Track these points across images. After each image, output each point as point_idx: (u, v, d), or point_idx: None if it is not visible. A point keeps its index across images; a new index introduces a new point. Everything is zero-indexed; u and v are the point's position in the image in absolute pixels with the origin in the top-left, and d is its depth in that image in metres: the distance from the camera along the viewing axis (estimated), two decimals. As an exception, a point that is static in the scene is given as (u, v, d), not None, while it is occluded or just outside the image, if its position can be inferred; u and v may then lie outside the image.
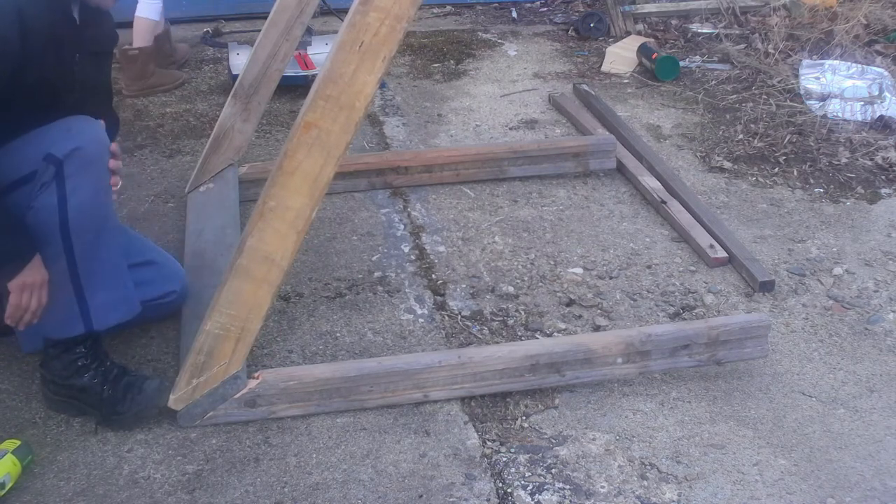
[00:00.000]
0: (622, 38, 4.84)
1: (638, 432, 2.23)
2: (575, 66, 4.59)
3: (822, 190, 3.39)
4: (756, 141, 3.70)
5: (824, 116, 3.87)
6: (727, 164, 3.55)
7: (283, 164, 1.95)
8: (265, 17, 3.04)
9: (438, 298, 2.73)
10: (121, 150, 2.22)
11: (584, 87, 4.18)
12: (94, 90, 2.28)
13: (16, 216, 2.03)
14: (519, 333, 2.59)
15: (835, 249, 3.02)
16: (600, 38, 4.94)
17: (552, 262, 2.92)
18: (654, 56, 4.38)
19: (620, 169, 3.46)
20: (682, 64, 4.44)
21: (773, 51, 4.51)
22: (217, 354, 2.10)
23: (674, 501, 2.03)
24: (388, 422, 2.23)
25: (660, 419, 2.28)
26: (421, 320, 2.62)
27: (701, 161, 3.60)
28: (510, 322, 2.63)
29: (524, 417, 2.27)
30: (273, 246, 2.02)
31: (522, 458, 2.15)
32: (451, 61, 4.63)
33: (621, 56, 4.55)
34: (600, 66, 4.56)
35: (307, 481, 2.06)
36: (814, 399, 2.36)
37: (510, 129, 3.87)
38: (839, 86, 4.04)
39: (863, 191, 3.38)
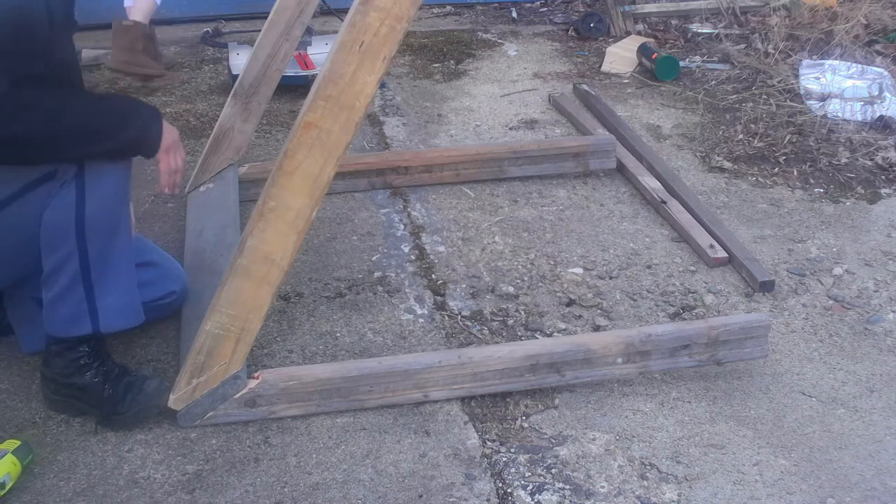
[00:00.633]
0: (622, 38, 4.84)
1: (638, 432, 2.23)
2: (575, 66, 4.59)
3: (822, 190, 3.39)
4: (756, 141, 3.70)
5: (824, 116, 3.87)
6: (727, 164, 3.55)
7: (284, 165, 1.95)
8: (265, 17, 3.04)
9: (438, 298, 2.73)
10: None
11: (584, 87, 4.18)
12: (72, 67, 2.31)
13: (117, 96, 2.13)
14: (519, 333, 2.59)
15: (835, 249, 3.02)
16: (600, 38, 4.94)
17: (552, 262, 2.92)
18: (654, 56, 4.38)
19: (620, 169, 3.46)
20: (682, 64, 4.44)
21: (773, 51, 4.51)
22: (217, 354, 2.10)
23: (674, 501, 2.03)
24: (388, 422, 2.23)
25: (660, 419, 2.28)
26: (421, 320, 2.63)
27: (701, 161, 3.60)
28: (510, 322, 2.63)
29: (524, 417, 2.27)
30: (273, 246, 2.02)
31: (522, 458, 2.15)
32: (451, 61, 4.63)
33: (621, 56, 4.55)
34: (600, 66, 4.56)
35: (307, 481, 2.06)
36: (814, 399, 2.36)
37: (510, 129, 3.87)
38: (839, 86, 4.04)
39: (863, 191, 3.38)
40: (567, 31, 5.12)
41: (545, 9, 5.53)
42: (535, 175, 3.40)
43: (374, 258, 2.92)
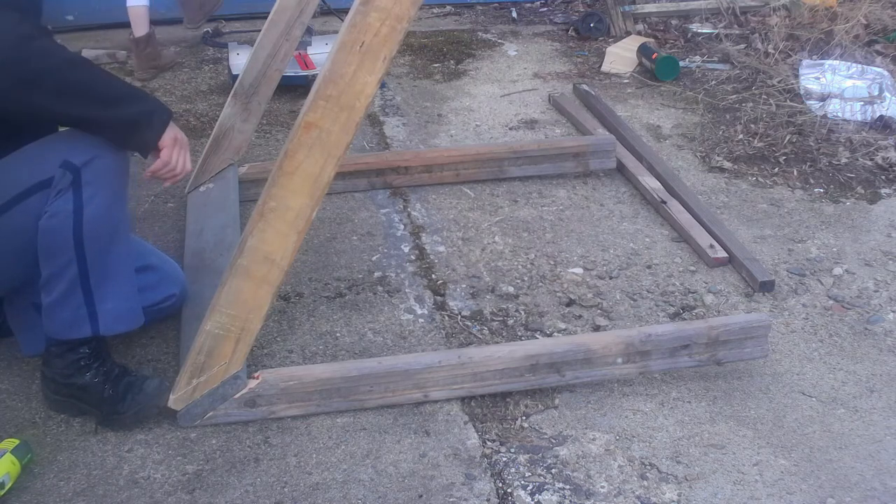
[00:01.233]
0: (622, 38, 4.84)
1: (638, 432, 2.23)
2: (575, 66, 4.59)
3: (822, 190, 3.39)
4: (756, 141, 3.70)
5: (824, 116, 3.87)
6: (727, 164, 3.55)
7: (284, 165, 1.95)
8: (265, 17, 3.04)
9: (438, 298, 2.73)
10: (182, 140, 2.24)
11: (584, 87, 4.18)
12: None
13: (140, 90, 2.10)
14: (519, 333, 2.59)
15: (835, 249, 3.02)
16: (600, 38, 4.94)
17: (552, 262, 2.92)
18: (654, 56, 4.38)
19: (620, 169, 3.46)
20: (682, 64, 4.44)
21: (773, 51, 4.51)
22: (217, 354, 2.10)
23: (674, 501, 2.03)
24: (388, 422, 2.23)
25: (660, 419, 2.28)
26: (421, 320, 2.63)
27: (701, 161, 3.60)
28: (510, 322, 2.63)
29: (524, 417, 2.27)
30: (273, 246, 2.02)
31: (522, 458, 2.15)
32: (451, 61, 4.63)
33: (621, 56, 4.55)
34: (600, 66, 4.56)
35: (307, 481, 2.06)
36: (814, 399, 2.36)
37: (510, 129, 3.87)
38: (839, 86, 4.04)
39: (863, 191, 3.38)
40: (567, 31, 5.12)
41: (545, 9, 5.53)
42: (535, 175, 3.40)
43: (374, 258, 2.92)
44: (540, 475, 2.10)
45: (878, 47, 4.55)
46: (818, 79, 4.11)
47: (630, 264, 2.92)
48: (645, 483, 2.08)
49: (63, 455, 2.12)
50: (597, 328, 2.61)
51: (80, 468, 2.08)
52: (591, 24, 5.00)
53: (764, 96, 4.11)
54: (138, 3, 4.25)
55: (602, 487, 2.07)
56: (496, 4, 5.56)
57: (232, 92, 3.09)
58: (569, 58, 4.71)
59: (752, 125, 3.83)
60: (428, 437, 2.20)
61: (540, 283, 2.81)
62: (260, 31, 3.05)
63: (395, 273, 2.84)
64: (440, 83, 4.36)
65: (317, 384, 2.20)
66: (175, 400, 2.15)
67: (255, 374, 2.20)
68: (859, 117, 3.86)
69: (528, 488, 2.06)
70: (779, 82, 4.22)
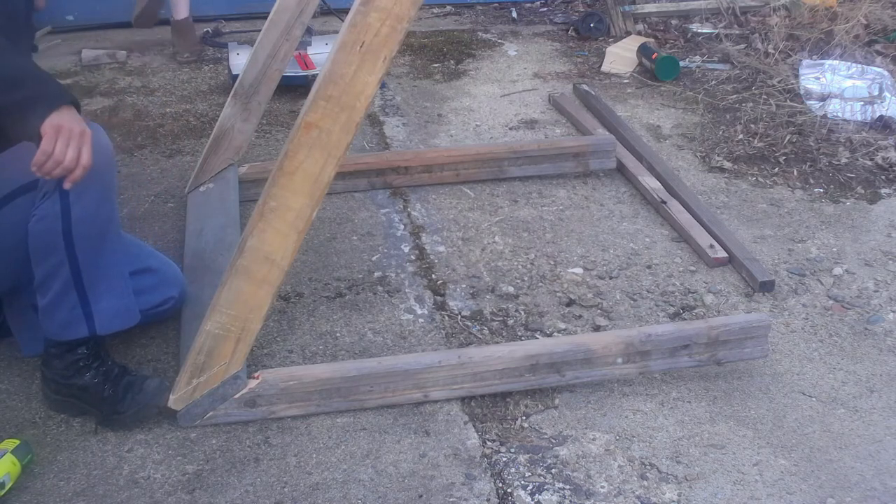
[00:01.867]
0: (622, 38, 4.84)
1: (638, 432, 2.23)
2: (575, 66, 4.59)
3: (822, 190, 3.39)
4: (756, 141, 3.70)
5: (824, 116, 3.87)
6: (727, 164, 3.55)
7: (284, 165, 1.95)
8: (265, 17, 3.04)
9: (438, 298, 2.73)
10: None
11: (584, 87, 4.18)
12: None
13: (39, 68, 1.95)
14: (519, 333, 2.59)
15: (835, 249, 3.02)
16: (600, 38, 4.94)
17: (552, 262, 2.92)
18: (654, 56, 4.38)
19: (620, 169, 3.46)
20: (682, 64, 4.44)
21: (773, 51, 4.51)
22: (217, 354, 2.10)
23: (674, 501, 2.03)
24: (388, 422, 2.23)
25: (660, 419, 2.28)
26: (421, 320, 2.63)
27: (701, 161, 3.60)
28: (510, 322, 2.63)
29: (524, 417, 2.27)
30: (273, 246, 2.02)
31: (522, 458, 2.15)
32: (451, 61, 4.63)
33: (621, 56, 4.55)
34: (600, 66, 4.56)
35: (307, 481, 2.06)
36: (814, 399, 2.36)
37: (510, 129, 3.87)
38: (839, 86, 4.04)
39: (863, 191, 3.38)
40: (567, 31, 5.11)
41: (545, 9, 5.53)
42: (535, 175, 3.40)
43: (374, 258, 2.92)
44: (540, 475, 2.10)
45: (878, 47, 4.55)
46: (818, 79, 4.11)
47: (630, 264, 2.92)
48: (645, 483, 2.08)
49: (63, 455, 2.12)
50: (597, 328, 2.61)
51: (80, 468, 2.08)
52: (591, 24, 5.00)
53: (764, 96, 4.11)
54: None
55: (602, 487, 2.07)
56: (496, 4, 5.56)
57: (232, 92, 3.09)
58: (569, 58, 4.71)
59: (752, 125, 3.83)
60: (428, 437, 2.20)
61: (540, 283, 2.81)
62: (260, 31, 3.05)
63: (395, 273, 2.84)
64: (440, 83, 4.36)
65: (317, 384, 2.20)
66: (175, 400, 2.15)
67: (255, 374, 2.20)
68: (859, 117, 3.86)
69: (528, 488, 2.06)
70: (779, 82, 4.21)
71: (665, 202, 3.19)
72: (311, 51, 4.22)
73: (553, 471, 2.11)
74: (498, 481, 2.08)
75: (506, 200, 3.29)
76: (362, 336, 2.55)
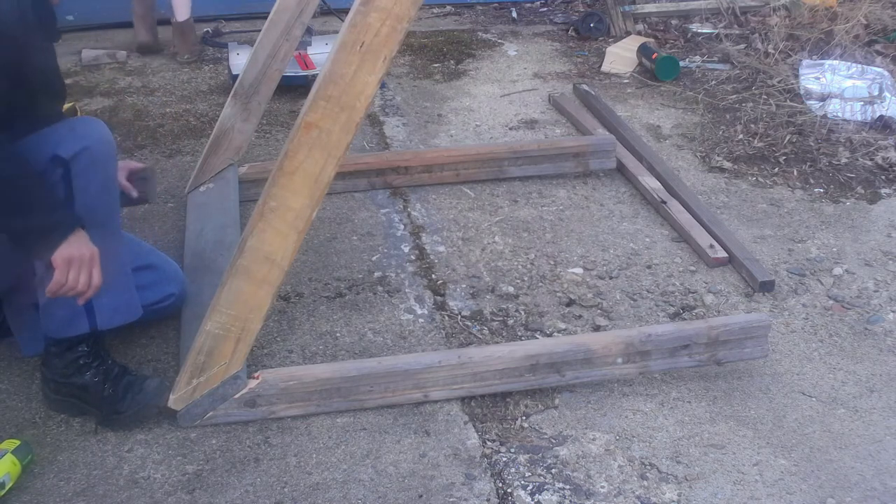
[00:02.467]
0: (622, 38, 4.84)
1: (638, 432, 2.23)
2: (575, 66, 4.59)
3: (822, 190, 3.39)
4: (756, 141, 3.70)
5: (824, 116, 3.87)
6: (727, 164, 3.55)
7: (284, 165, 1.95)
8: (265, 17, 3.04)
9: (438, 298, 2.73)
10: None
11: (584, 87, 4.18)
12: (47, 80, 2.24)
13: (52, 189, 1.99)
14: (519, 333, 2.59)
15: (835, 249, 3.02)
16: (600, 38, 4.94)
17: (552, 262, 2.92)
18: (654, 56, 4.38)
19: (620, 169, 3.46)
20: (682, 64, 4.44)
21: (773, 51, 4.51)
22: (217, 354, 2.10)
23: (674, 501, 2.03)
24: (388, 422, 2.23)
25: (660, 419, 2.28)
26: (421, 320, 2.63)
27: (701, 161, 3.60)
28: (510, 322, 2.63)
29: (524, 417, 2.27)
30: (273, 246, 2.02)
31: (522, 458, 2.15)
32: (451, 61, 4.63)
33: (621, 56, 4.55)
34: (600, 66, 4.56)
35: (307, 481, 2.06)
36: (814, 399, 2.36)
37: (510, 129, 3.87)
38: (839, 86, 4.04)
39: (863, 191, 3.38)
40: (567, 31, 5.12)
41: (545, 9, 5.53)
42: (535, 175, 3.40)
43: (374, 258, 2.92)
44: (540, 475, 2.10)
45: (878, 47, 4.55)
46: (818, 79, 4.11)
47: (630, 264, 2.92)
48: (645, 483, 2.08)
49: (63, 455, 2.12)
50: (597, 328, 2.61)
51: (80, 468, 2.08)
52: (591, 24, 5.00)
53: (764, 96, 4.11)
54: None
55: (602, 487, 2.07)
56: (496, 4, 5.56)
57: (232, 92, 3.09)
58: (569, 58, 4.71)
59: (752, 125, 3.83)
60: (428, 437, 2.20)
61: (540, 283, 2.81)
62: (260, 31, 3.05)
63: (395, 273, 2.84)
64: (440, 83, 4.36)
65: (317, 384, 2.20)
66: (175, 400, 2.15)
67: (255, 374, 2.20)
68: (859, 117, 3.86)
69: (528, 488, 2.06)
70: (779, 82, 4.22)
71: (665, 202, 3.19)
72: (311, 51, 4.22)
73: (553, 471, 2.11)
74: (498, 481, 2.08)
75: (506, 200, 3.29)
76: (362, 336, 2.55)
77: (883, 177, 3.47)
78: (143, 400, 2.17)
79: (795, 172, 3.50)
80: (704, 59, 4.62)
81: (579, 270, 2.88)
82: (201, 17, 4.97)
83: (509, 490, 2.05)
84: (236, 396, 2.17)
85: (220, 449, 2.14)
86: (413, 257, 2.93)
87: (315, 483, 2.05)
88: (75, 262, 1.97)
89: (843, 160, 3.56)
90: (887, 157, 3.57)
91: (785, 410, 2.32)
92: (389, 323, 2.61)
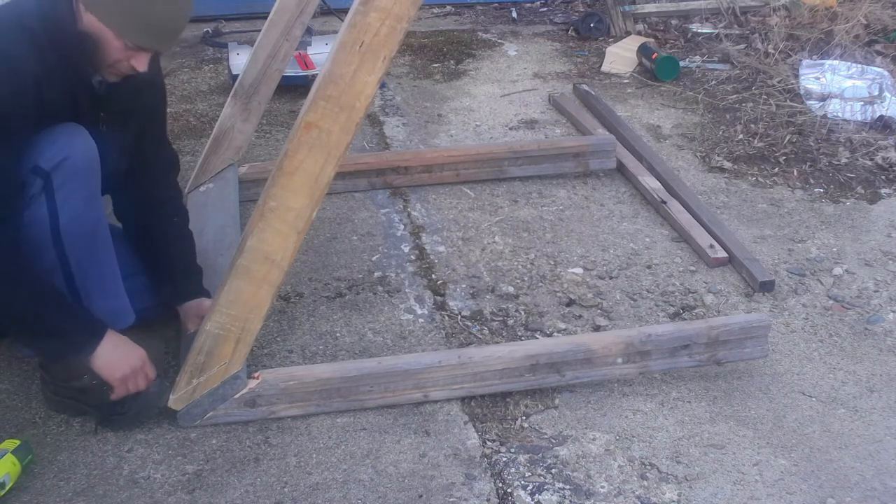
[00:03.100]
0: (622, 38, 4.84)
1: (638, 432, 2.23)
2: (575, 66, 4.59)
3: (822, 190, 3.39)
4: (756, 141, 3.70)
5: (824, 116, 3.87)
6: (727, 164, 3.55)
7: (284, 165, 1.95)
8: (265, 17, 3.04)
9: (438, 298, 2.73)
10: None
11: (584, 87, 4.18)
12: (122, 148, 2.23)
13: (70, 308, 2.05)
14: (519, 333, 2.59)
15: (835, 249, 3.02)
16: (600, 38, 4.94)
17: (552, 262, 2.92)
18: (654, 56, 4.38)
19: (620, 169, 3.46)
20: (682, 64, 4.44)
21: (773, 51, 4.51)
22: (217, 354, 2.10)
23: (674, 501, 2.03)
24: (388, 422, 2.23)
25: (660, 419, 2.28)
26: (421, 320, 2.63)
27: (701, 161, 3.60)
28: (510, 322, 2.63)
29: (524, 417, 2.27)
30: (273, 246, 2.02)
31: (522, 458, 2.15)
32: (451, 61, 4.63)
33: (621, 56, 4.55)
34: (600, 66, 4.56)
35: (307, 481, 2.06)
36: (814, 399, 2.36)
37: (510, 129, 3.87)
38: (839, 86, 4.04)
39: (863, 191, 3.38)
40: (567, 31, 5.12)
41: (545, 9, 5.53)
42: (535, 175, 3.40)
43: (374, 258, 2.92)
44: (540, 475, 2.10)
45: (878, 47, 4.55)
46: (818, 79, 4.11)
47: (630, 264, 2.92)
48: (645, 483, 2.08)
49: (63, 455, 2.12)
50: (597, 328, 2.61)
51: (80, 468, 2.08)
52: (591, 24, 5.00)
53: (764, 96, 4.11)
54: None
55: (602, 487, 2.07)
56: (496, 4, 5.56)
57: (232, 92, 3.09)
58: (569, 58, 4.71)
59: (752, 125, 3.84)
60: (428, 437, 2.20)
61: (540, 283, 2.81)
62: (260, 31, 3.05)
63: (395, 273, 2.84)
64: (440, 83, 4.36)
65: (317, 384, 2.20)
66: (175, 400, 2.15)
67: (255, 374, 2.20)
68: (859, 117, 3.86)
69: (528, 488, 2.06)
70: (779, 82, 4.22)
71: (665, 202, 3.19)
72: (311, 51, 4.22)
73: (553, 471, 2.11)
74: (498, 481, 2.08)
75: (506, 200, 3.29)
76: (362, 336, 2.55)
77: (883, 177, 3.47)
78: (143, 400, 2.17)
79: (795, 172, 3.50)
80: (704, 59, 4.62)
81: (579, 270, 2.88)
82: (201, 17, 4.98)
83: (509, 490, 2.05)
84: (236, 396, 2.17)
85: (220, 449, 2.14)
86: (413, 257, 2.93)
87: (315, 483, 2.05)
88: (129, 377, 2.09)
89: (843, 160, 3.56)
90: (887, 157, 3.57)
91: (785, 410, 2.32)
92: (389, 323, 2.61)
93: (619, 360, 2.31)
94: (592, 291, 2.78)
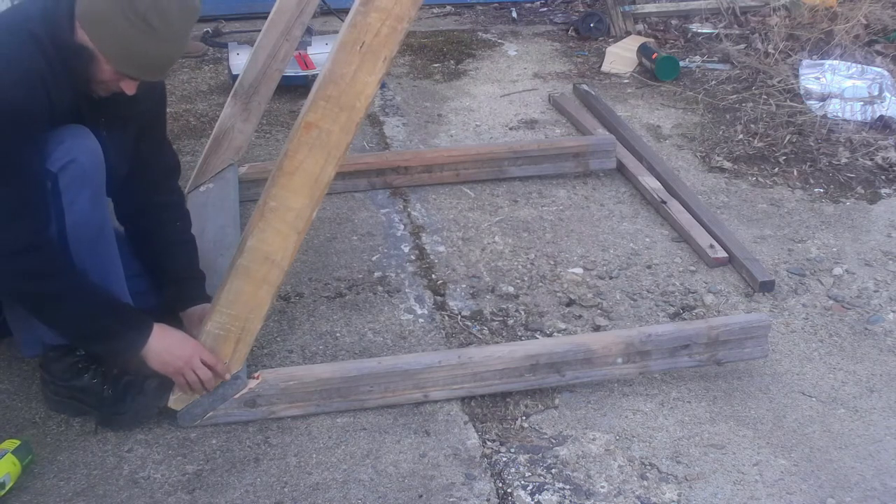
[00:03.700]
0: (622, 38, 4.84)
1: (638, 432, 2.23)
2: (575, 66, 4.59)
3: (822, 190, 3.39)
4: (756, 141, 3.70)
5: (824, 116, 3.87)
6: (727, 164, 3.55)
7: (284, 165, 1.95)
8: (265, 17, 3.04)
9: (438, 298, 2.73)
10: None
11: (584, 87, 4.18)
12: (122, 152, 2.23)
13: (118, 307, 2.08)
14: (519, 333, 2.59)
15: (835, 249, 3.02)
16: (600, 38, 4.94)
17: (552, 262, 2.92)
18: (654, 56, 4.38)
19: (620, 169, 3.46)
20: (682, 64, 4.44)
21: (773, 51, 4.51)
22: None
23: (674, 501, 2.03)
24: (388, 422, 2.23)
25: (660, 419, 2.28)
26: (421, 320, 2.63)
27: (701, 161, 3.60)
28: (510, 322, 2.63)
29: (524, 417, 2.27)
30: (273, 246, 2.02)
31: (522, 458, 2.15)
32: (451, 61, 4.63)
33: (621, 56, 4.55)
34: (600, 66, 4.56)
35: (307, 481, 2.06)
36: (814, 399, 2.36)
37: (510, 129, 3.87)
38: (839, 86, 4.04)
39: (863, 191, 3.38)
40: (567, 31, 5.12)
41: (545, 9, 5.53)
42: (535, 175, 3.40)
43: (374, 258, 2.92)
44: (540, 475, 2.10)
45: (878, 47, 4.55)
46: (818, 79, 4.11)
47: (630, 264, 2.92)
48: (645, 483, 2.08)
49: (63, 455, 2.12)
50: (597, 328, 2.61)
51: (80, 468, 2.08)
52: (591, 24, 5.00)
53: (764, 96, 4.11)
54: None
55: (602, 487, 2.07)
56: (496, 4, 5.56)
57: (232, 92, 3.09)
58: (569, 58, 4.71)
59: (752, 125, 3.84)
60: (428, 437, 2.20)
61: (540, 283, 2.81)
62: (260, 31, 3.05)
63: (395, 273, 2.84)
64: (440, 83, 4.36)
65: (317, 384, 2.20)
66: (175, 400, 2.15)
67: (256, 374, 2.20)
68: (859, 117, 3.86)
69: (528, 488, 2.06)
70: (779, 82, 4.22)
71: (665, 202, 3.19)
72: (311, 51, 4.22)
73: (553, 471, 2.11)
74: (498, 481, 2.08)
75: (506, 200, 3.29)
76: (362, 336, 2.55)
77: (883, 177, 3.47)
78: (143, 400, 2.17)
79: (795, 172, 3.50)
80: (704, 59, 4.62)
81: (579, 270, 2.88)
82: (201, 17, 4.96)
83: (509, 490, 2.05)
84: (236, 396, 2.17)
85: (220, 449, 2.14)
86: (413, 257, 2.93)
87: (315, 483, 2.05)
88: (187, 371, 2.08)
89: (843, 160, 3.56)
90: (887, 157, 3.57)
91: (785, 410, 2.32)
92: (389, 323, 2.61)
93: (619, 360, 2.31)
94: (592, 291, 2.78)
